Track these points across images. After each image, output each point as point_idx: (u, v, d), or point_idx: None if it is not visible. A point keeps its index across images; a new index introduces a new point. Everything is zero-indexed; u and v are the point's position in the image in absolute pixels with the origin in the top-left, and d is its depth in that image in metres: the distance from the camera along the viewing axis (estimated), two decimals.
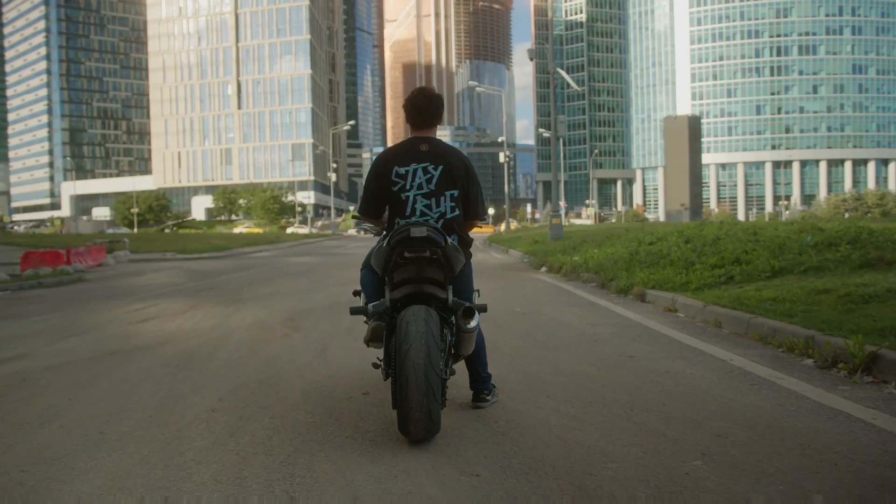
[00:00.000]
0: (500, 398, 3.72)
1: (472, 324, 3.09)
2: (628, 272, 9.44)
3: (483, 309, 3.27)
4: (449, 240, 3.08)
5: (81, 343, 6.21)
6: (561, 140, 25.30)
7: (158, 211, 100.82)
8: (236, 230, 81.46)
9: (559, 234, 22.02)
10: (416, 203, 3.30)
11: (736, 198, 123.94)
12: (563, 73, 27.30)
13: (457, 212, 3.37)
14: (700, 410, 3.43)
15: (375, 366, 3.40)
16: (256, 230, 75.48)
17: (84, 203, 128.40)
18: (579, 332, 6.04)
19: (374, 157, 3.60)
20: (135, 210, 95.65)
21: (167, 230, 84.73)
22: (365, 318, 3.23)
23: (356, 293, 3.78)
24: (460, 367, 3.58)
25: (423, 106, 3.41)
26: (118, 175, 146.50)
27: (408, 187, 3.29)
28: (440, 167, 3.31)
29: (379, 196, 3.41)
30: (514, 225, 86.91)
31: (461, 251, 3.19)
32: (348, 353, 5.24)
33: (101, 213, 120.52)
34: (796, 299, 5.76)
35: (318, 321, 7.20)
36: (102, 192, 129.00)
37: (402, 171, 3.30)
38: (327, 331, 6.45)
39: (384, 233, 3.85)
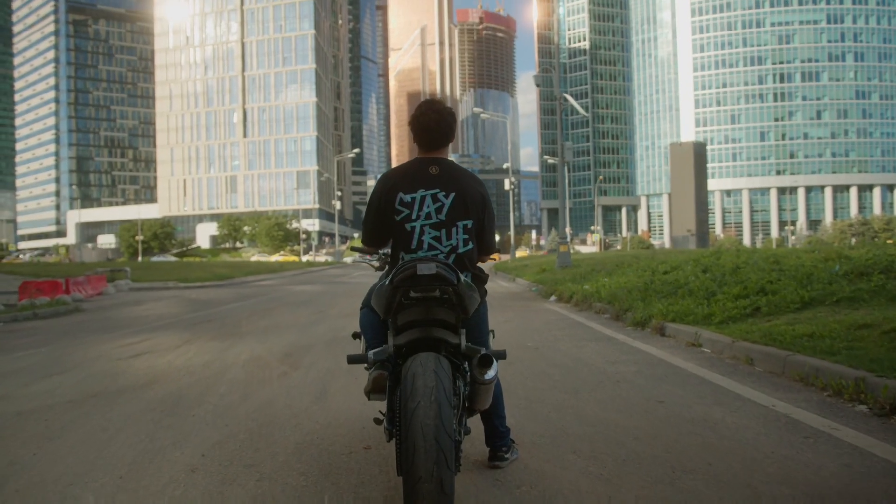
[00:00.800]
0: (521, 454, 3.27)
1: (490, 374, 2.60)
2: (644, 303, 8.99)
3: (502, 355, 2.78)
4: (462, 277, 2.60)
5: (63, 383, 5.77)
6: (566, 166, 24.94)
7: (163, 238, 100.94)
8: (253, 258, 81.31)
9: (567, 262, 21.59)
10: (424, 235, 2.84)
11: (741, 223, 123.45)
12: (570, 98, 27.09)
13: (470, 245, 2.90)
14: (754, 472, 2.97)
15: (378, 421, 2.87)
16: (271, 259, 75.24)
17: (89, 231, 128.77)
18: (599, 370, 5.58)
19: (380, 178, 3.10)
20: (139, 238, 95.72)
21: (173, 255, 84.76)
22: (365, 366, 2.78)
23: (356, 336, 3.34)
24: (474, 421, 3.12)
25: (433, 124, 2.95)
26: (124, 203, 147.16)
27: (414, 217, 2.84)
28: (452, 194, 2.85)
29: (381, 225, 2.97)
30: (520, 252, 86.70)
31: (476, 289, 2.70)
32: (349, 396, 4.79)
33: (107, 240, 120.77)
34: (835, 335, 5.31)
35: (319, 358, 6.76)
36: (108, 219, 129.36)
37: (407, 198, 2.84)
38: (328, 369, 6.00)
39: (386, 267, 3.46)
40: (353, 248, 3.64)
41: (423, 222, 2.84)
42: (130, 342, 8.57)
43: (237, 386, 5.38)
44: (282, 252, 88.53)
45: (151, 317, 12.71)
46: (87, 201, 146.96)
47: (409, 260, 2.68)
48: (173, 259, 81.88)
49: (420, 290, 2.54)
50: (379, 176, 3.32)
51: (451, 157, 3.55)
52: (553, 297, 13.89)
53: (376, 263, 3.52)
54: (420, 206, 2.84)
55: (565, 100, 23.90)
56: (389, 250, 3.42)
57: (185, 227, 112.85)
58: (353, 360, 2.77)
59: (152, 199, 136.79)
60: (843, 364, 4.48)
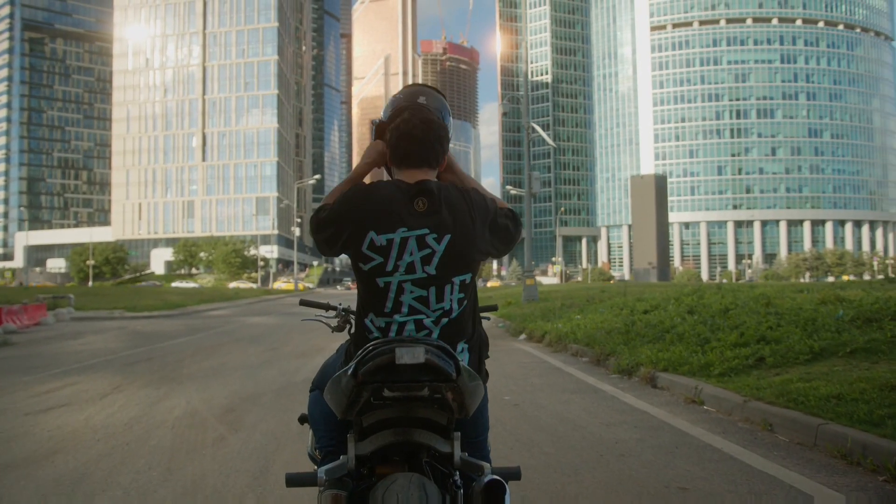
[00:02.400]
0: None
1: None
2: (628, 347, 8.24)
3: (515, 474, 1.94)
4: (462, 363, 1.74)
5: None
6: (525, 197, 24.39)
7: (115, 263, 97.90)
8: (231, 284, 78.89)
9: (534, 297, 20.88)
10: (404, 294, 1.92)
11: (700, 256, 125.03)
12: (538, 128, 26.65)
13: (466, 302, 2.00)
14: None
15: None
16: (229, 286, 73.18)
17: (38, 254, 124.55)
18: (595, 437, 4.76)
19: (347, 194, 2.10)
20: (90, 262, 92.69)
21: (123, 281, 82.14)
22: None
23: (303, 420, 2.43)
24: None
25: (420, 134, 2.05)
26: (76, 226, 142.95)
27: (390, 268, 1.91)
28: (446, 237, 1.93)
29: (341, 246, 2.06)
30: (491, 282, 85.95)
31: (479, 377, 1.81)
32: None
33: (56, 264, 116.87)
34: (868, 397, 4.57)
35: (265, 414, 5.80)
36: (58, 242, 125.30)
37: (381, 240, 1.91)
38: (273, 433, 5.06)
39: (348, 327, 2.55)
40: (302, 303, 2.78)
41: (404, 277, 1.92)
42: (50, 388, 7.48)
43: (161, 457, 4.41)
44: (242, 279, 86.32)
45: (85, 354, 11.54)
46: (37, 223, 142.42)
47: (380, 342, 1.77)
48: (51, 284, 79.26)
49: (400, 388, 1.72)
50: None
51: None
52: (523, 336, 13.10)
53: (334, 322, 2.67)
54: (399, 254, 1.91)
55: (533, 129, 23.38)
56: (351, 307, 2.57)
57: (140, 252, 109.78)
58: (294, 481, 1.89)
59: (106, 222, 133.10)
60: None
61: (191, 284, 78.86)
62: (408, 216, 1.92)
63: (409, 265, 1.91)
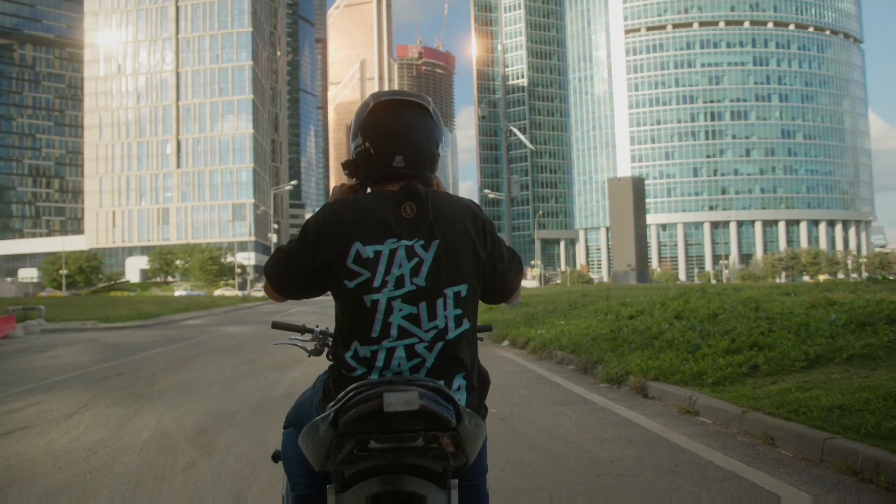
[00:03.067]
0: None
1: None
2: (616, 355, 8.02)
3: None
4: (462, 406, 1.53)
5: None
6: (504, 201, 24.23)
7: (89, 272, 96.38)
8: (217, 292, 77.76)
9: (515, 301, 20.64)
10: (393, 314, 1.68)
11: (677, 257, 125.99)
12: (516, 131, 26.50)
13: (466, 324, 1.74)
14: None
15: None
16: (213, 294, 72.12)
17: (10, 264, 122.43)
18: (590, 455, 4.51)
19: (323, 211, 1.82)
20: (63, 271, 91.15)
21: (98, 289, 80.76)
22: None
23: (276, 458, 2.12)
24: None
25: (409, 126, 1.81)
26: (49, 235, 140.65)
27: (378, 283, 1.68)
28: (435, 243, 1.72)
29: (307, 283, 1.82)
30: None
31: (481, 419, 1.60)
32: None
33: (28, 274, 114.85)
34: (873, 408, 4.38)
35: (240, 435, 5.49)
36: (30, 252, 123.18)
37: (368, 252, 1.69)
38: (249, 456, 4.76)
39: (326, 351, 2.27)
40: (275, 325, 2.50)
41: (393, 293, 1.68)
42: (12, 408, 7.10)
43: (126, 486, 4.10)
44: (224, 287, 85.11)
45: (53, 369, 11.10)
46: (7, 232, 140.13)
47: (365, 384, 1.56)
48: (60, 294, 78.09)
49: (389, 439, 1.49)
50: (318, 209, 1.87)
51: None
52: (506, 342, 12.86)
53: (311, 346, 2.42)
54: (388, 267, 1.69)
55: (511, 132, 23.21)
56: (329, 329, 2.27)
57: (114, 261, 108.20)
58: None
59: (79, 230, 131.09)
60: None
61: (197, 293, 77.06)
62: (396, 225, 1.72)
63: (397, 279, 1.69)
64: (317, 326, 2.40)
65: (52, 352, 14.54)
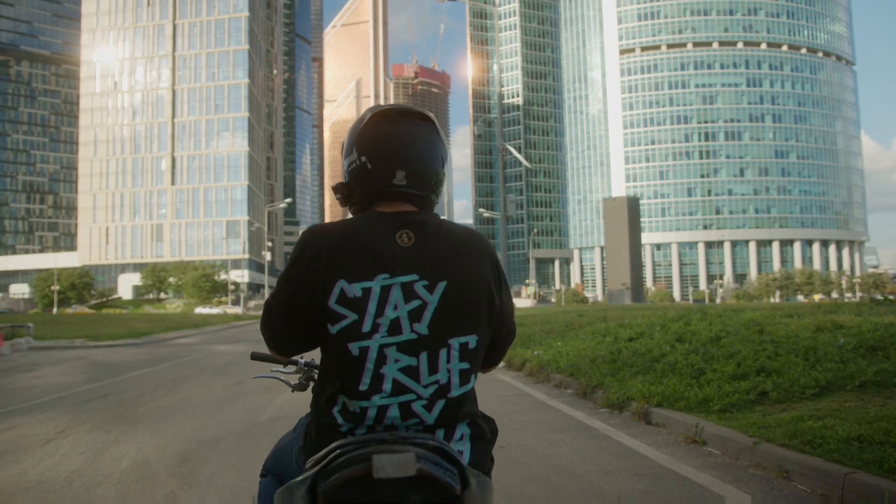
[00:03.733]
0: None
1: None
2: (616, 379, 7.77)
3: None
4: (467, 467, 1.33)
5: None
6: (500, 220, 24.10)
7: (81, 289, 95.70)
8: (197, 310, 76.95)
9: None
10: (387, 364, 1.42)
11: (671, 277, 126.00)
12: (513, 149, 26.42)
13: (472, 381, 1.50)
14: None
15: None
16: (213, 312, 71.38)
17: (1, 280, 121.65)
18: (595, 489, 4.26)
19: (299, 244, 1.52)
20: (55, 288, 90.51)
21: (89, 307, 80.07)
22: None
23: None
24: None
25: (413, 139, 1.54)
26: (42, 251, 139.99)
27: (367, 328, 1.42)
28: (441, 284, 1.45)
29: (300, 331, 1.54)
30: None
31: (489, 483, 1.36)
32: None
33: (20, 290, 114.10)
34: (893, 439, 4.14)
35: (224, 464, 5.21)
36: (23, 268, 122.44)
37: (355, 290, 1.42)
38: (232, 488, 4.48)
39: (311, 385, 2.00)
40: (254, 357, 2.21)
41: (386, 339, 1.42)
42: None
43: None
44: (221, 305, 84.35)
45: (37, 389, 10.78)
46: (0, 248, 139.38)
47: (351, 442, 1.33)
48: (88, 310, 77.48)
49: None
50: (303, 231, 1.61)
51: None
52: (502, 364, 12.60)
53: (294, 379, 2.19)
54: (380, 309, 1.42)
55: (507, 151, 23.09)
56: (314, 360, 2.03)
57: (107, 277, 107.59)
58: None
59: (72, 246, 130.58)
60: None
61: (215, 310, 75.34)
62: (389, 257, 1.43)
63: (392, 323, 1.41)
64: (301, 358, 2.15)
65: (38, 371, 14.21)
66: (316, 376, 1.87)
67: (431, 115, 1.60)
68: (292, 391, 2.15)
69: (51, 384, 11.59)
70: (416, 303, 1.42)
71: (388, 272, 1.42)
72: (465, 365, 1.45)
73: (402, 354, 1.41)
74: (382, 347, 1.40)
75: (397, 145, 1.52)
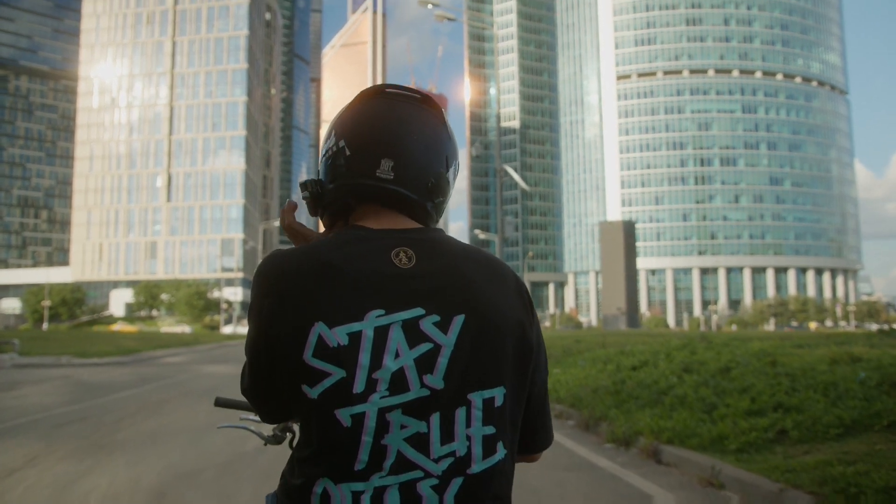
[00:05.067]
0: None
1: None
2: (621, 411, 7.38)
3: None
4: None
5: None
6: (497, 242, 23.77)
7: (73, 305, 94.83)
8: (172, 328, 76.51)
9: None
10: (388, 433, 0.98)
11: (666, 302, 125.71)
12: (511, 171, 26.17)
13: (500, 451, 1.03)
14: None
15: None
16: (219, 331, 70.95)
17: None
18: None
19: (255, 280, 1.07)
20: (46, 303, 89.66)
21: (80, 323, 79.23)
22: None
23: None
24: None
25: (408, 121, 1.13)
26: (34, 265, 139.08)
27: (360, 387, 0.98)
28: (458, 319, 1.03)
29: (277, 389, 1.07)
30: None
31: None
32: None
33: (10, 305, 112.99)
34: None
35: (201, 502, 4.79)
36: (14, 283, 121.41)
37: (339, 336, 0.99)
38: None
39: (289, 437, 1.63)
40: (219, 403, 1.78)
41: (388, 400, 0.99)
42: None
43: None
44: (181, 325, 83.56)
45: (12, 411, 10.31)
46: None
47: None
48: (132, 328, 76.88)
49: None
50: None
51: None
52: None
53: (269, 431, 1.70)
54: (377, 358, 0.99)
55: (505, 172, 22.84)
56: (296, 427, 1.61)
57: (99, 293, 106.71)
58: None
59: (65, 262, 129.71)
60: None
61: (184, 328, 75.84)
62: (384, 286, 1.02)
63: (395, 377, 0.99)
64: (292, 427, 1.67)
65: (18, 390, 13.71)
66: (295, 430, 1.59)
67: (439, 104, 1.19)
68: (265, 444, 1.71)
69: (29, 405, 11.12)
70: (425, 346, 1.00)
71: (384, 307, 1.00)
72: (490, 430, 1.02)
73: (409, 419, 0.99)
74: (383, 412, 0.98)
75: (386, 125, 1.11)
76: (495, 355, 1.03)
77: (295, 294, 1.00)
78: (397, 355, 0.98)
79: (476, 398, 1.01)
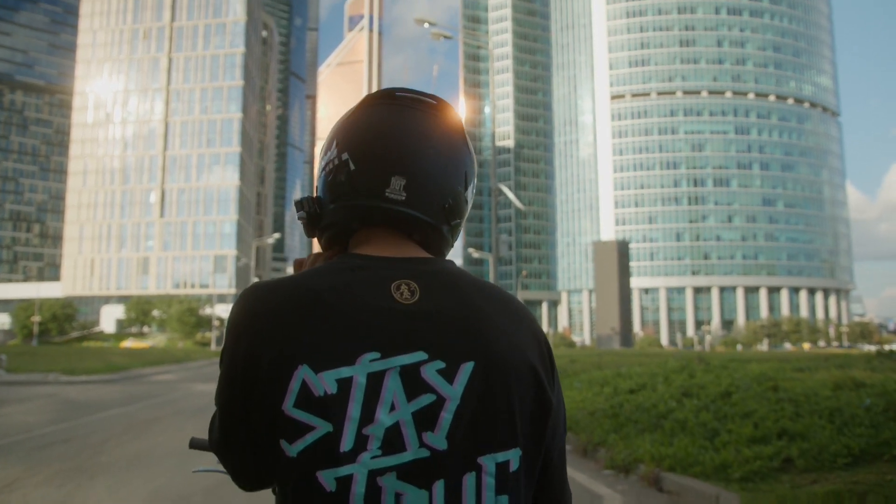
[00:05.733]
0: None
1: None
2: (620, 436, 7.21)
3: None
4: None
5: None
6: (490, 261, 23.71)
7: (63, 320, 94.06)
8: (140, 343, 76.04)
9: None
10: (380, 501, 0.81)
11: (659, 321, 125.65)
12: (506, 190, 26.12)
13: None
14: None
15: None
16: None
17: None
18: None
19: (231, 316, 0.90)
20: (36, 318, 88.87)
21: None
22: None
23: None
24: None
25: (422, 131, 0.96)
26: (26, 280, 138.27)
27: (347, 445, 0.81)
28: (467, 367, 0.86)
29: (254, 445, 0.87)
30: None
31: None
32: None
33: (0, 320, 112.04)
34: None
35: None
36: (4, 297, 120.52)
37: (326, 384, 0.82)
38: None
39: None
40: (194, 445, 1.41)
41: (380, 461, 0.82)
42: None
43: None
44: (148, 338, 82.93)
45: None
46: None
47: None
48: (143, 345, 76.26)
49: None
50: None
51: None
52: None
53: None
54: (369, 411, 0.83)
55: (500, 192, 22.74)
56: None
57: (90, 309, 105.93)
58: None
59: (56, 277, 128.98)
60: None
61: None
62: (380, 325, 0.87)
63: (389, 434, 0.83)
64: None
65: (2, 409, 13.45)
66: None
67: (457, 111, 1.02)
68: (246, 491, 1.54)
69: (12, 425, 10.87)
70: (426, 398, 0.84)
71: (379, 349, 0.85)
72: (504, 498, 0.85)
73: (406, 485, 0.82)
74: (374, 475, 0.81)
75: (397, 136, 0.95)
76: (510, 411, 0.87)
77: (275, 331, 0.85)
78: (393, 408, 0.83)
79: (488, 462, 0.85)
